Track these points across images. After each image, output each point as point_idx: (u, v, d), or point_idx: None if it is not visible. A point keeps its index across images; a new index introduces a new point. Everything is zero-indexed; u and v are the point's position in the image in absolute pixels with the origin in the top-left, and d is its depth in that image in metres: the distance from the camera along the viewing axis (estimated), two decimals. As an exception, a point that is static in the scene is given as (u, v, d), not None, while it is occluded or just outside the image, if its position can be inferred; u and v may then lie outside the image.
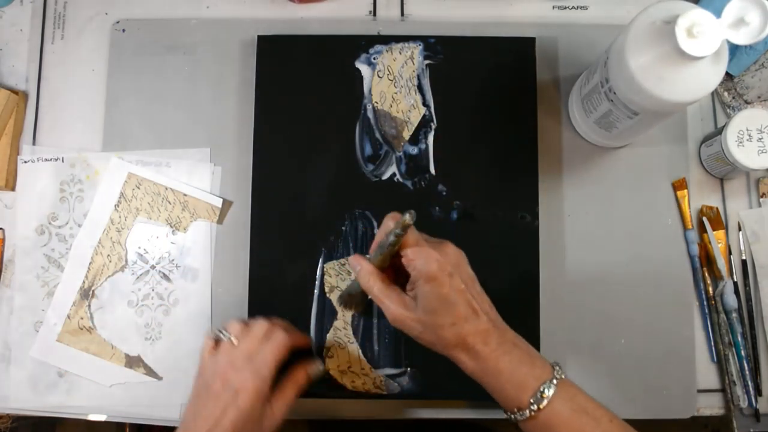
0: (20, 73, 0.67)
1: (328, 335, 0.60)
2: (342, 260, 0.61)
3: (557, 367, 0.46)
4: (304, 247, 0.61)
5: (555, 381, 0.44)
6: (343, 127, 0.63)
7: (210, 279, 0.62)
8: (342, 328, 0.60)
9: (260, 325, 0.53)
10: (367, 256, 0.51)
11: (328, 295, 0.60)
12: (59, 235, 0.63)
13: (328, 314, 0.60)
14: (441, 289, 0.45)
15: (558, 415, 0.44)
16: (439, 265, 0.46)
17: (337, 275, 0.61)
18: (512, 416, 0.45)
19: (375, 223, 0.61)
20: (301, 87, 0.63)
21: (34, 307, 0.62)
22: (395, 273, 0.51)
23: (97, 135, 0.65)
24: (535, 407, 0.44)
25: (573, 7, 0.67)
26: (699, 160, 0.65)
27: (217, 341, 0.53)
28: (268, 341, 0.51)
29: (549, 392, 0.44)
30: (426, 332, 0.47)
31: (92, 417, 0.61)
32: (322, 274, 0.61)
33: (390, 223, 0.49)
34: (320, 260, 0.61)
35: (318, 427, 0.76)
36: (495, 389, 0.46)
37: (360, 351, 0.60)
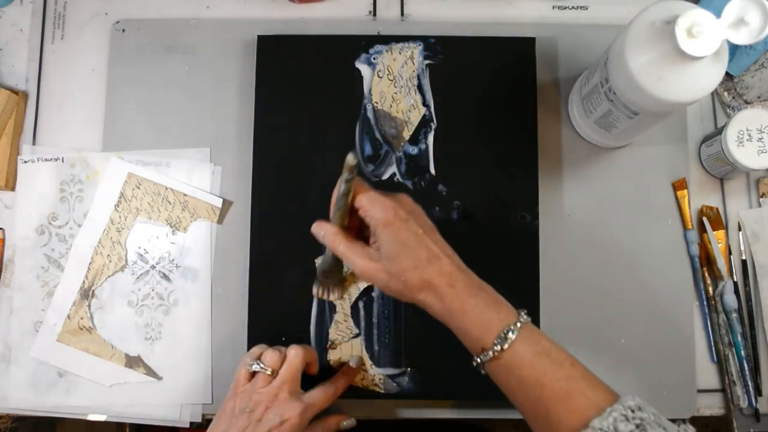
0: (20, 73, 0.67)
1: (330, 330, 0.60)
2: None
3: (522, 312, 0.46)
4: (304, 247, 0.61)
5: (519, 324, 0.45)
6: (343, 127, 0.63)
7: (210, 279, 0.62)
8: (343, 321, 0.60)
9: (297, 357, 0.54)
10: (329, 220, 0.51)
11: None
12: (59, 235, 0.63)
13: (328, 312, 0.60)
14: (398, 233, 0.46)
15: (521, 357, 0.44)
16: (395, 210, 0.47)
17: None
18: (477, 358, 0.46)
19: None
20: (301, 87, 0.63)
21: (34, 307, 0.62)
22: (358, 233, 0.52)
23: (97, 135, 0.65)
24: (498, 348, 0.44)
25: (573, 7, 0.67)
26: (699, 160, 0.65)
27: (253, 373, 0.54)
28: (327, 388, 0.55)
29: (512, 335, 0.44)
30: (392, 280, 0.47)
31: (92, 417, 0.61)
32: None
33: (340, 180, 0.49)
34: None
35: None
36: (461, 330, 0.47)
37: (363, 346, 0.60)
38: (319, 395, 0.54)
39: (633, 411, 0.41)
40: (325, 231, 0.51)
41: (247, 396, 0.52)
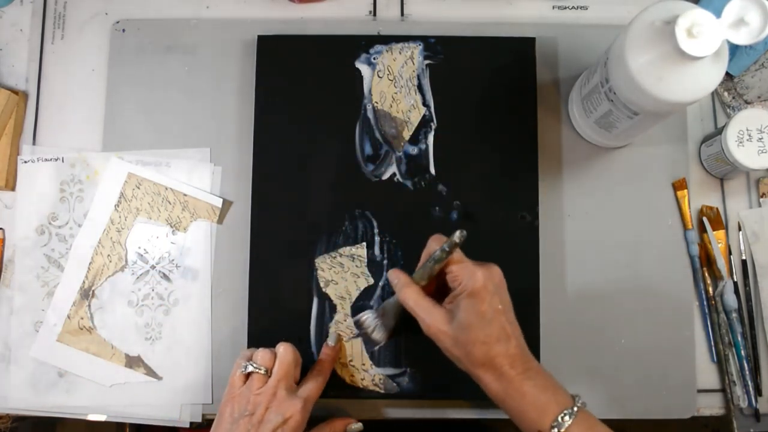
0: (20, 73, 0.67)
1: (330, 330, 0.60)
2: (332, 253, 0.61)
3: (578, 397, 0.47)
4: (304, 247, 0.61)
5: (576, 409, 0.45)
6: (343, 127, 0.63)
7: (210, 279, 0.63)
8: (343, 321, 0.60)
9: (289, 354, 0.54)
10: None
11: (324, 289, 0.60)
12: (59, 235, 0.63)
13: (328, 311, 0.60)
14: (481, 305, 0.47)
15: None
16: (484, 282, 0.47)
17: (330, 268, 0.61)
18: None
19: (375, 223, 0.61)
20: (301, 87, 0.63)
21: (34, 307, 0.62)
22: (436, 291, 0.52)
23: (97, 135, 0.65)
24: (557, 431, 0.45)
25: (573, 7, 0.67)
26: (699, 160, 0.65)
27: (248, 374, 0.53)
28: (316, 376, 0.55)
29: (569, 419, 0.45)
30: (456, 347, 0.48)
31: (92, 417, 0.61)
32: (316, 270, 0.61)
33: (434, 244, 0.51)
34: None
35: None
36: (516, 412, 0.47)
37: (363, 346, 0.60)
38: (312, 386, 0.54)
39: None
40: (400, 281, 0.51)
41: (244, 399, 0.52)
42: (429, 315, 0.49)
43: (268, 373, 0.53)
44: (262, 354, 0.54)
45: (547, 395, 0.46)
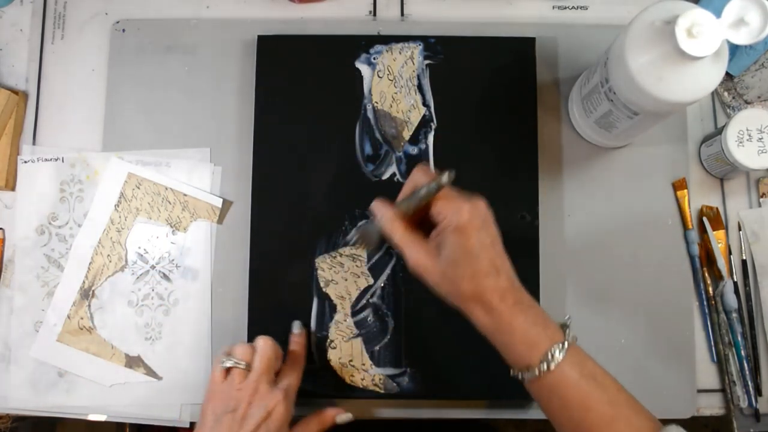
0: (20, 73, 0.67)
1: (330, 329, 0.60)
2: (332, 253, 0.61)
3: (569, 332, 0.46)
4: (304, 247, 0.61)
5: (566, 344, 0.44)
6: (343, 127, 0.63)
7: (210, 279, 0.63)
8: (343, 321, 0.60)
9: (267, 346, 0.53)
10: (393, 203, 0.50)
11: (324, 289, 0.60)
12: (59, 235, 0.63)
13: (328, 311, 0.60)
14: (467, 240, 0.45)
15: (566, 378, 0.44)
16: (470, 216, 0.46)
17: (330, 268, 0.61)
18: (520, 375, 0.45)
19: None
20: (301, 87, 0.63)
21: (34, 307, 0.62)
22: (418, 222, 0.50)
23: (97, 135, 0.65)
24: (544, 367, 0.44)
25: (573, 7, 0.67)
26: (699, 160, 0.65)
27: (228, 369, 0.53)
28: (292, 366, 0.55)
29: (559, 354, 0.43)
30: (444, 282, 0.46)
31: (92, 417, 0.61)
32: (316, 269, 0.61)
33: (421, 176, 0.48)
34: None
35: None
36: (506, 346, 0.46)
37: (363, 346, 0.60)
38: (291, 377, 0.54)
39: None
40: (384, 214, 0.49)
41: (226, 395, 0.51)
42: (415, 251, 0.47)
43: (249, 367, 0.52)
44: (241, 349, 0.53)
45: (537, 329, 0.45)
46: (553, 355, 0.44)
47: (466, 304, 0.46)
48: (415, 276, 0.48)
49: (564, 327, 0.46)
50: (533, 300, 0.47)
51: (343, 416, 0.56)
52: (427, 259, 0.47)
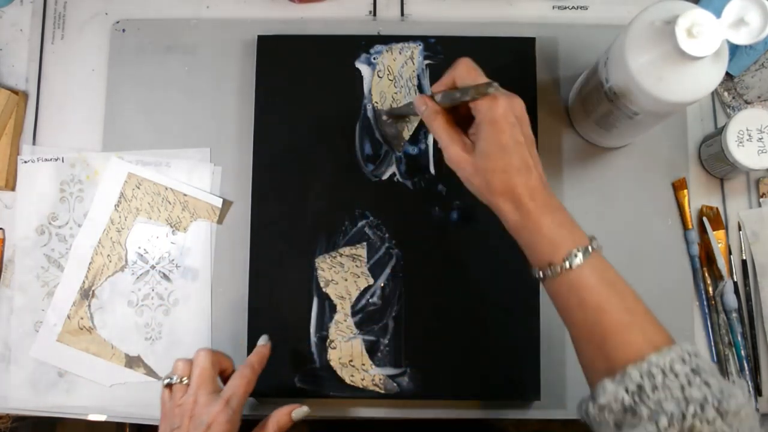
0: (20, 73, 0.67)
1: (330, 329, 0.60)
2: (332, 253, 0.61)
3: (595, 240, 0.46)
4: (304, 247, 0.61)
5: (591, 249, 0.44)
6: (343, 127, 0.63)
7: (210, 279, 0.63)
8: (342, 321, 0.60)
9: (203, 357, 0.52)
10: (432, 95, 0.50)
11: (324, 289, 0.60)
12: (59, 235, 0.63)
13: (328, 311, 0.60)
14: (501, 135, 0.45)
15: (586, 280, 0.44)
16: (504, 111, 0.46)
17: (330, 268, 0.61)
18: (540, 272, 0.46)
19: (375, 223, 0.61)
20: (301, 87, 0.63)
21: (34, 307, 0.62)
22: (456, 117, 0.50)
23: (97, 135, 0.65)
24: (567, 265, 0.44)
25: (573, 7, 0.67)
26: (699, 160, 0.65)
27: (170, 386, 0.51)
28: (241, 374, 0.52)
29: (582, 257, 0.44)
30: (477, 176, 0.47)
31: (92, 417, 0.61)
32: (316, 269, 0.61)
33: (464, 73, 0.49)
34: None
35: (318, 427, 0.76)
36: (530, 244, 0.46)
37: (363, 346, 0.60)
38: (236, 382, 0.51)
39: (690, 355, 0.41)
40: (428, 107, 0.49)
41: (170, 413, 0.50)
42: (453, 142, 0.48)
43: (189, 381, 0.51)
44: (180, 364, 0.52)
45: (563, 232, 0.45)
46: (576, 255, 0.44)
47: (496, 199, 0.46)
48: (453, 168, 0.48)
49: (591, 238, 0.46)
50: (562, 205, 0.47)
51: (299, 411, 0.53)
52: (463, 152, 0.47)
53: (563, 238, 0.45)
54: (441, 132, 0.49)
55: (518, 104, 0.47)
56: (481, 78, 0.48)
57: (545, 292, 0.60)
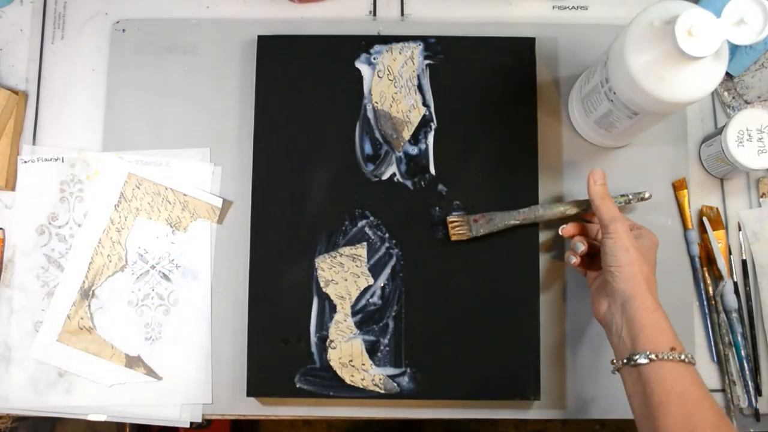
0: (20, 73, 0.67)
1: (330, 329, 0.60)
2: (332, 253, 0.61)
3: (690, 355, 0.48)
4: (304, 247, 0.61)
5: (682, 357, 0.47)
6: (343, 127, 0.63)
7: (210, 279, 0.63)
8: (342, 321, 0.60)
9: None
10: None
11: (324, 289, 0.60)
12: (59, 235, 0.63)
13: (328, 311, 0.60)
14: (653, 250, 0.55)
15: (664, 381, 0.46)
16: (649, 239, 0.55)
17: (330, 268, 0.61)
18: (620, 361, 0.50)
19: (375, 223, 0.61)
20: (301, 87, 0.63)
21: (34, 307, 0.62)
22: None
23: (97, 135, 0.65)
24: (653, 357, 0.47)
25: (573, 7, 0.67)
26: (699, 160, 0.65)
27: None
28: None
29: (668, 356, 0.47)
30: (637, 253, 0.52)
31: (92, 417, 0.61)
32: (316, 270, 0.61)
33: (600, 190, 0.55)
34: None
35: (318, 427, 0.76)
36: (625, 331, 0.50)
37: (363, 346, 0.60)
38: None
39: None
40: (610, 213, 0.54)
41: None
42: (623, 222, 0.53)
43: None
44: None
45: (662, 334, 0.49)
46: (664, 355, 0.47)
47: (638, 285, 0.51)
48: (615, 237, 0.52)
49: (689, 353, 0.48)
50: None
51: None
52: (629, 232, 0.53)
53: (659, 337, 0.48)
54: (627, 235, 0.53)
55: (653, 238, 0.56)
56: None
57: (545, 292, 0.61)
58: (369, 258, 0.61)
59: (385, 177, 0.62)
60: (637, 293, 0.50)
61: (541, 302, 0.60)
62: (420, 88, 0.63)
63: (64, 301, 0.62)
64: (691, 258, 0.62)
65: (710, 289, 0.62)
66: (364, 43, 0.64)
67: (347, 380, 0.59)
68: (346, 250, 0.61)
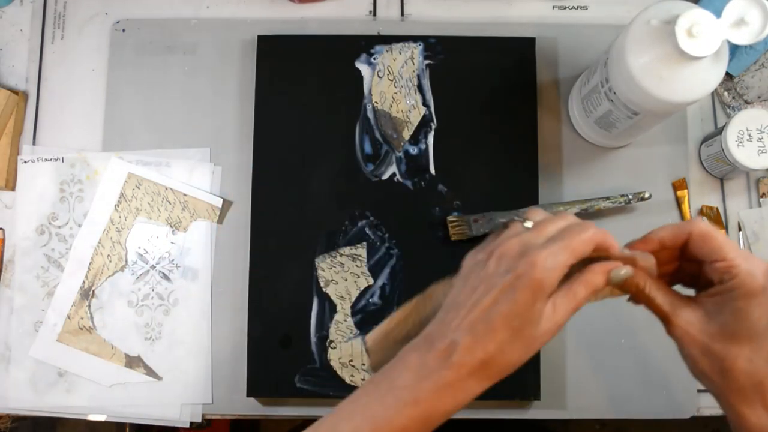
0: (20, 73, 0.67)
1: (330, 329, 0.60)
2: (332, 253, 0.61)
3: None
4: (304, 247, 0.61)
5: None
6: (343, 127, 0.63)
7: (210, 279, 0.62)
8: (343, 321, 0.60)
9: (570, 217, 0.39)
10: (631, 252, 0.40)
11: (324, 289, 0.60)
12: (59, 235, 0.63)
13: (328, 311, 0.60)
14: (757, 310, 0.35)
15: None
16: (766, 282, 0.35)
17: (330, 268, 0.61)
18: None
19: (375, 223, 0.61)
20: (301, 87, 0.63)
21: (34, 307, 0.62)
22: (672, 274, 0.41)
23: (97, 135, 0.65)
24: None
25: (573, 7, 0.67)
26: (699, 160, 0.65)
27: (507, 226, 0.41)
28: (578, 229, 0.38)
29: None
30: (707, 358, 0.37)
31: (92, 417, 0.61)
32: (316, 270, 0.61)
33: (699, 241, 0.38)
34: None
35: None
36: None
37: (363, 346, 0.60)
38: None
39: None
40: (645, 280, 0.39)
41: (485, 247, 0.40)
42: (679, 312, 0.37)
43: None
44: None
45: None
46: None
47: (734, 398, 0.36)
48: (675, 339, 0.39)
49: None
50: None
51: (619, 272, 0.40)
52: (694, 325, 0.37)
53: None
54: (664, 300, 0.38)
55: None
56: (730, 252, 0.37)
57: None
58: (369, 258, 0.61)
59: (385, 177, 0.62)
60: None
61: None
62: (420, 88, 0.63)
63: (64, 301, 0.62)
64: (691, 258, 0.62)
65: (710, 289, 0.62)
66: (364, 43, 0.64)
67: (347, 380, 0.59)
68: (346, 250, 0.61)
